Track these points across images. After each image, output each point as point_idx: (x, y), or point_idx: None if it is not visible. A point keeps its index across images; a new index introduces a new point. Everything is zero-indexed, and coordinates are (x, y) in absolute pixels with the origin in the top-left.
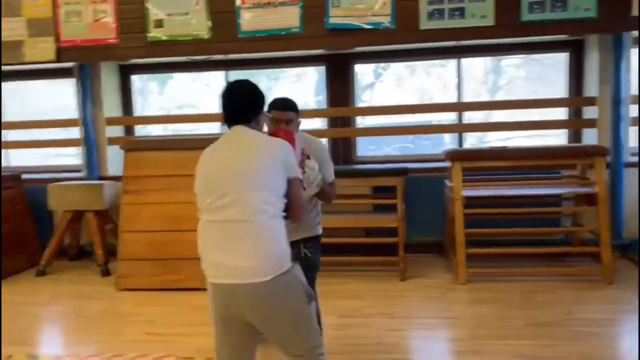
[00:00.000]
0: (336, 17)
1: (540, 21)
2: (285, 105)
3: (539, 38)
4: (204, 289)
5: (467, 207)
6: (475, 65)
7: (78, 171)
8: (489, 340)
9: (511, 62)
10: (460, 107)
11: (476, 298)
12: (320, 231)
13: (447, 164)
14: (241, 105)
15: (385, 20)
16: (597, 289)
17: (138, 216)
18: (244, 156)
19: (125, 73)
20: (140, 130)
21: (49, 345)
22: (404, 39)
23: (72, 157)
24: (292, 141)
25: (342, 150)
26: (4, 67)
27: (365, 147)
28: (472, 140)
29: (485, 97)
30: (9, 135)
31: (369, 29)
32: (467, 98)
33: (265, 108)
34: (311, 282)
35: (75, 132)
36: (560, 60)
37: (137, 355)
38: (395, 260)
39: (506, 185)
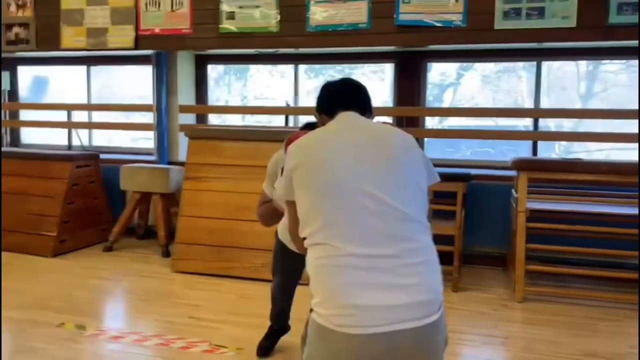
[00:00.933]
0: (406, 13)
1: (630, 24)
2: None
3: (630, 43)
4: (254, 279)
5: (533, 221)
6: (567, 70)
7: (151, 154)
8: None
9: (609, 68)
10: (534, 113)
11: (531, 318)
12: None
13: (513, 172)
14: (361, 92)
15: (457, 19)
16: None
17: (198, 202)
18: (385, 145)
19: (200, 63)
20: (216, 120)
21: (98, 319)
22: (477, 39)
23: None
24: None
25: None
26: (91, 53)
27: (442, 150)
28: (558, 150)
29: (576, 104)
30: (93, 116)
31: (440, 26)
32: (550, 104)
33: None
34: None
35: (151, 118)
36: None
37: (174, 337)
38: (450, 269)
39: (578, 200)
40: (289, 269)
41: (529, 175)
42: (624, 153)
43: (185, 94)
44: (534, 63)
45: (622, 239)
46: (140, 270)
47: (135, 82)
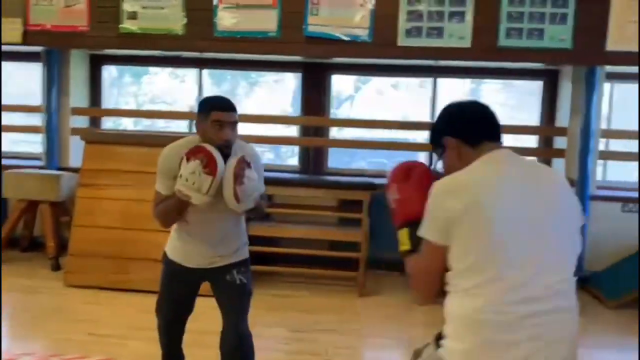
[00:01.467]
0: (314, 25)
1: (516, 47)
2: (229, 105)
3: (516, 64)
4: (156, 292)
5: None
6: (455, 87)
7: (38, 159)
8: None
9: (490, 87)
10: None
11: (434, 321)
12: (248, 253)
13: None
14: (498, 121)
15: (364, 34)
16: None
17: (93, 211)
18: (556, 202)
19: (95, 63)
20: (108, 124)
21: None
22: (381, 54)
23: (36, 144)
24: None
25: (313, 160)
26: None
27: (339, 160)
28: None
29: None
30: None
31: (347, 40)
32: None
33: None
34: (246, 312)
35: (39, 119)
36: (535, 88)
37: (76, 356)
38: (354, 275)
39: None
40: (181, 302)
41: None
42: None
43: (77, 96)
44: (431, 79)
45: None
46: (29, 286)
47: (16, 80)
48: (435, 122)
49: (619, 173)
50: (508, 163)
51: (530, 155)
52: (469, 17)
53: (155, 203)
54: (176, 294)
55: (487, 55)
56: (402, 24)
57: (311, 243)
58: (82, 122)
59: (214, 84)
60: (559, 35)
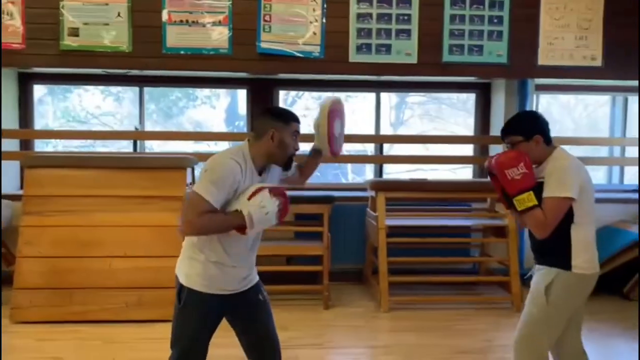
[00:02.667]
0: (267, 42)
1: (458, 62)
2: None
3: (452, 78)
4: (118, 321)
5: (387, 236)
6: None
7: None
8: None
9: (414, 100)
10: (380, 139)
11: (400, 326)
12: None
13: (370, 193)
14: None
15: (315, 50)
16: (509, 316)
17: (40, 240)
18: None
19: (24, 81)
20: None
21: None
22: (333, 70)
23: None
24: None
25: None
26: None
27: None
28: (370, 173)
29: (388, 131)
30: None
31: (300, 56)
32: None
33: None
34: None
35: None
36: (455, 99)
37: None
38: (318, 288)
39: (423, 215)
40: (208, 339)
41: (386, 195)
42: (423, 173)
43: (5, 117)
44: (374, 94)
45: (458, 248)
46: None
47: None
48: (520, 121)
49: None
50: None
51: (468, 163)
52: (415, 34)
53: (197, 210)
54: (209, 334)
55: (432, 70)
56: (353, 40)
57: (267, 259)
58: (11, 145)
59: (149, 100)
60: (497, 51)
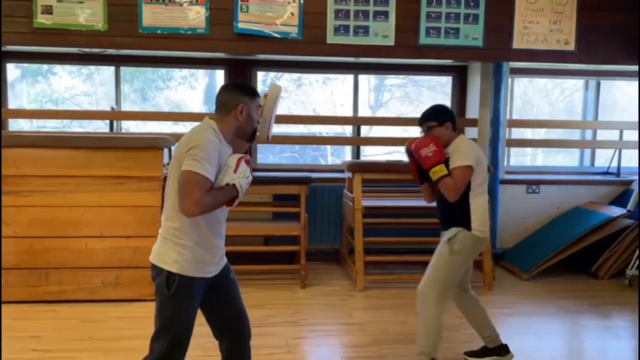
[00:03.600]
0: (244, 22)
1: (435, 45)
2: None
3: (429, 61)
4: (94, 301)
5: (364, 217)
6: (360, 82)
7: None
8: (394, 344)
9: (393, 82)
10: (358, 120)
11: (376, 304)
12: None
13: (347, 174)
14: None
15: (293, 31)
16: (480, 294)
17: (17, 220)
18: None
19: None
20: (12, 125)
21: None
22: (310, 51)
23: None
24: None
25: None
26: None
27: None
28: (349, 155)
29: (367, 113)
30: None
31: (277, 37)
32: (348, 113)
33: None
34: None
35: None
36: (435, 82)
37: None
38: (295, 268)
39: (397, 197)
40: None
41: (362, 177)
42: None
43: None
44: (352, 76)
45: (430, 228)
46: None
47: None
48: (435, 110)
49: (518, 159)
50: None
51: None
52: (392, 16)
53: (202, 189)
54: (194, 318)
55: (409, 53)
56: (331, 22)
57: (246, 239)
58: None
59: (124, 81)
60: (472, 34)
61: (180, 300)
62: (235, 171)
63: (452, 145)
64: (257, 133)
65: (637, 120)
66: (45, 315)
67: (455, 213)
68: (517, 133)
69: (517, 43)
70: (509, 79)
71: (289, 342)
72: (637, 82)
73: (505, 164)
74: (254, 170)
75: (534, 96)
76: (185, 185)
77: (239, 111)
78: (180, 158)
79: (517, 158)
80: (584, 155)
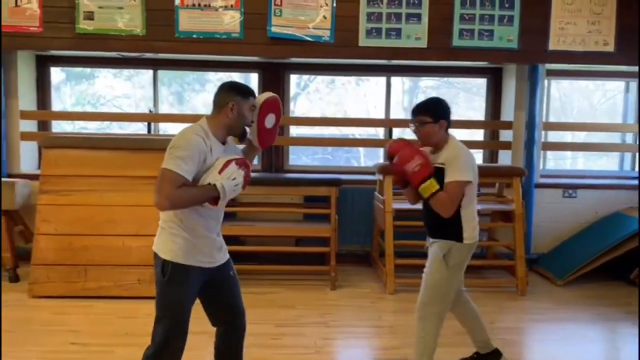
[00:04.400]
0: (278, 26)
1: (468, 47)
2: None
3: (463, 63)
4: (130, 297)
5: (395, 220)
6: (394, 84)
7: None
8: None
9: (428, 84)
10: (391, 123)
11: (405, 307)
12: None
13: (378, 176)
14: None
15: (325, 35)
16: (513, 299)
17: (57, 218)
18: None
19: (42, 64)
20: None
21: None
22: (343, 54)
23: None
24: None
25: (274, 158)
26: None
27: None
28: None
29: (401, 115)
30: None
31: (310, 41)
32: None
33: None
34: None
35: None
36: (470, 84)
37: None
38: (325, 269)
39: None
40: (187, 313)
41: (393, 179)
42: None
43: (23, 99)
44: (385, 78)
45: None
46: None
47: None
48: (433, 104)
49: (556, 162)
50: None
51: (479, 148)
52: (425, 18)
53: (172, 184)
54: (192, 304)
55: (442, 55)
56: (363, 25)
57: (276, 240)
58: (29, 126)
59: (162, 83)
60: (507, 36)
61: (175, 287)
62: (220, 172)
63: (446, 152)
64: (248, 135)
65: None
66: (83, 311)
67: (446, 225)
68: (557, 136)
69: (554, 45)
70: (545, 81)
71: (317, 342)
72: None
73: (541, 167)
74: (287, 171)
75: (574, 98)
76: (158, 181)
77: (229, 109)
78: (165, 157)
79: (557, 161)
80: (624, 159)
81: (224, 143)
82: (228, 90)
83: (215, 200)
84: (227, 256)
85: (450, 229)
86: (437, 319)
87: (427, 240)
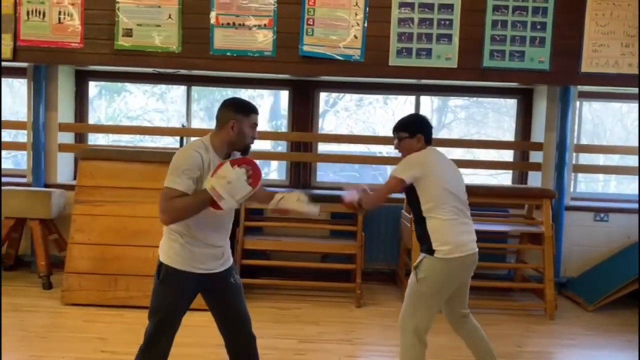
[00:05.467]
0: (309, 45)
1: (499, 68)
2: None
3: (493, 83)
4: None
5: None
6: (422, 103)
7: (19, 176)
8: None
9: (457, 103)
10: None
11: (431, 328)
12: None
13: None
14: None
15: (356, 54)
16: (541, 323)
17: (91, 228)
18: (459, 174)
19: (80, 78)
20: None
21: None
22: (372, 73)
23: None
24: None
25: (302, 174)
26: None
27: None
28: None
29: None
30: None
31: (340, 59)
32: None
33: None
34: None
35: (15, 135)
36: (499, 104)
37: None
38: (350, 286)
39: None
40: (181, 318)
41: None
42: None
43: (62, 111)
44: (414, 97)
45: (494, 254)
46: (23, 305)
47: None
48: (408, 120)
49: (587, 185)
50: (439, 154)
51: (508, 169)
52: (456, 39)
53: (167, 199)
54: (183, 309)
55: (472, 75)
56: (394, 44)
57: (302, 256)
58: (66, 138)
59: (193, 99)
60: (538, 57)
61: (166, 289)
62: (212, 175)
63: None
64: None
65: None
66: (113, 319)
67: (418, 235)
68: (588, 158)
69: (586, 67)
70: (577, 102)
71: None
72: None
73: (571, 189)
74: (314, 187)
75: (607, 120)
76: (160, 200)
77: (230, 127)
78: None
79: (587, 184)
80: None
81: (226, 158)
82: (229, 108)
83: (216, 204)
84: (228, 265)
85: (421, 239)
86: (413, 336)
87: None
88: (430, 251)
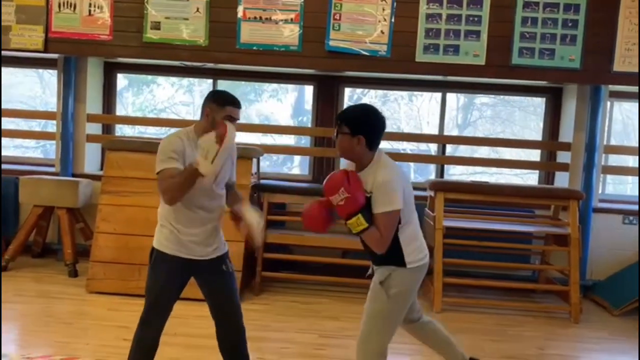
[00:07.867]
0: (335, 40)
1: (528, 66)
2: (240, 103)
3: (521, 81)
4: (181, 298)
5: (445, 237)
6: (448, 100)
7: (48, 165)
8: None
9: (483, 100)
10: (443, 139)
11: (452, 327)
12: None
13: (429, 193)
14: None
15: (382, 49)
16: (565, 326)
17: (116, 218)
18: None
19: (109, 70)
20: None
21: (23, 347)
22: (399, 69)
23: (31, 150)
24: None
25: (325, 170)
26: None
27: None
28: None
29: (454, 132)
30: None
31: (366, 55)
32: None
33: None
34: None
35: (44, 125)
36: (526, 103)
37: None
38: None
39: (483, 219)
40: (174, 303)
41: (445, 196)
42: (488, 177)
43: (90, 103)
44: (440, 94)
45: (518, 254)
46: (50, 292)
47: (21, 86)
48: (356, 114)
49: (616, 187)
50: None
51: (535, 169)
52: (484, 36)
53: (164, 179)
54: (175, 294)
55: (500, 73)
56: (420, 40)
57: (323, 251)
58: (94, 129)
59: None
60: (569, 55)
61: (156, 272)
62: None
63: (372, 176)
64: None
65: None
66: (135, 308)
67: (386, 252)
68: (617, 159)
69: (618, 66)
70: (608, 102)
71: None
72: None
73: (600, 191)
74: None
75: (636, 121)
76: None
77: (206, 114)
78: None
79: (616, 186)
80: None
81: None
82: (208, 97)
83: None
84: (221, 252)
85: (389, 253)
86: (380, 357)
87: (372, 270)
88: (401, 263)
